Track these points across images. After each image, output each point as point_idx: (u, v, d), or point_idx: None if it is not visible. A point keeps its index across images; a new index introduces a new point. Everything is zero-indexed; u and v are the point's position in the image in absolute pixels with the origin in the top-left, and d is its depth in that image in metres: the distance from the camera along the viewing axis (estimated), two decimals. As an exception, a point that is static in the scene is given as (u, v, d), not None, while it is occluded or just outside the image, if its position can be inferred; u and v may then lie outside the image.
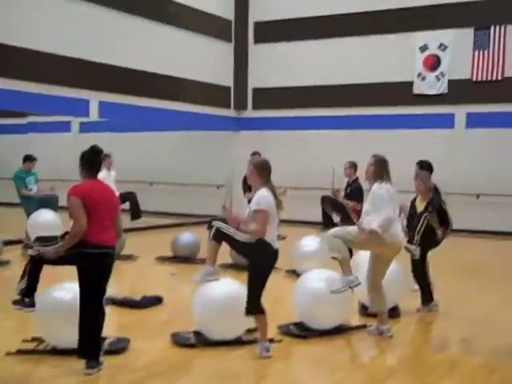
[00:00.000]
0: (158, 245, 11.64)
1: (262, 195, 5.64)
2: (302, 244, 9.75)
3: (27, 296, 6.21)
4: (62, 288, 5.81)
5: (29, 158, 11.38)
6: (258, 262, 5.63)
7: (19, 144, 16.75)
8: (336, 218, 9.33)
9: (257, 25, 17.87)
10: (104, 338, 5.70)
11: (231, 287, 6.12)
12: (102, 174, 11.60)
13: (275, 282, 6.19)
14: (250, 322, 5.95)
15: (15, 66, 11.87)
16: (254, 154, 11.52)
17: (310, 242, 9.72)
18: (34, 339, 5.85)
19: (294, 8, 17.14)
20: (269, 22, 17.60)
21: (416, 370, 5.62)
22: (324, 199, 10.22)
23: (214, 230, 5.81)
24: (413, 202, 7.74)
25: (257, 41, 17.85)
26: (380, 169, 6.44)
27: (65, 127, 18.20)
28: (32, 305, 6.04)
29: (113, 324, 6.56)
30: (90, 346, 5.29)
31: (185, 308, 6.42)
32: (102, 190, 5.39)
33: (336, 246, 6.36)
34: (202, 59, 16.30)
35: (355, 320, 6.87)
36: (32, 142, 16.71)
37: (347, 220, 8.44)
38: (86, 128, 18.05)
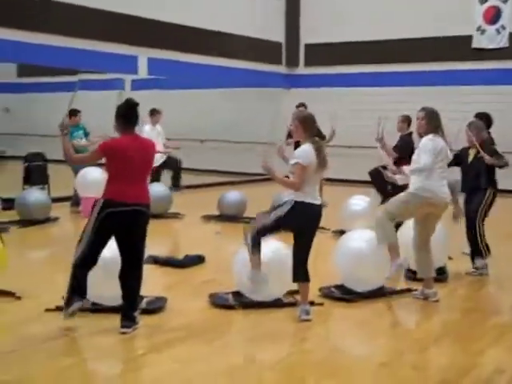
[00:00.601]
0: (205, 203, 11.56)
1: (303, 149, 5.43)
2: (351, 203, 9.52)
3: None
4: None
5: (72, 113, 11.29)
6: (300, 226, 5.45)
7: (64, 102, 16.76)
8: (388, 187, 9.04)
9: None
10: (142, 297, 5.68)
11: (273, 248, 5.94)
12: (146, 129, 11.59)
13: (320, 242, 6.01)
14: (291, 284, 5.83)
15: (63, 21, 11.80)
16: (300, 105, 11.22)
17: (359, 201, 9.50)
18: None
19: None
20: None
21: (462, 338, 5.37)
22: (372, 175, 9.82)
23: (250, 241, 5.57)
24: (464, 150, 7.39)
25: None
26: (431, 121, 6.12)
27: (116, 85, 18.17)
28: None
29: (153, 283, 6.49)
30: (124, 305, 5.26)
31: (227, 268, 6.30)
32: (134, 146, 5.20)
33: (384, 235, 6.06)
34: (252, 14, 15.93)
35: (400, 283, 6.62)
36: (82, 100, 16.69)
37: (397, 187, 8.14)
38: (137, 85, 18.02)
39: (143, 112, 12.10)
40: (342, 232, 9.05)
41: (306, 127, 5.51)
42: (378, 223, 6.11)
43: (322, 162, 5.45)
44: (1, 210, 9.97)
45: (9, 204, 10.57)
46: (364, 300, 6.12)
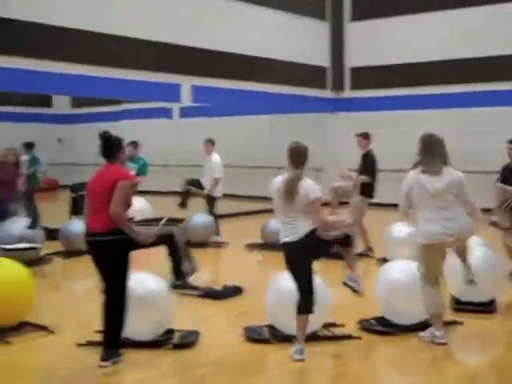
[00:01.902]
0: (249, 231, 11.41)
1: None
2: (394, 230, 9.19)
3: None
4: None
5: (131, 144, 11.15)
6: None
7: (115, 131, 16.99)
8: None
9: (354, 2, 17.23)
10: (174, 331, 5.55)
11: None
12: (216, 158, 11.46)
13: (363, 270, 5.77)
14: (327, 317, 5.60)
15: (108, 52, 11.95)
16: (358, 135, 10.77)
17: (402, 227, 9.15)
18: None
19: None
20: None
21: (506, 375, 5.03)
22: None
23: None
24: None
25: (354, 18, 17.22)
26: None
27: (164, 113, 18.34)
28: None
29: (189, 315, 6.41)
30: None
31: (263, 299, 6.05)
32: (95, 176, 5.31)
33: (428, 302, 5.65)
34: (297, 39, 15.85)
35: (446, 315, 6.29)
36: (127, 129, 16.92)
37: None
38: (185, 113, 18.16)
39: (198, 140, 12.16)
40: (385, 260, 8.83)
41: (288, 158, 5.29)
42: (421, 289, 5.68)
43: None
44: (45, 241, 10.02)
45: (54, 234, 10.64)
46: (403, 333, 5.78)
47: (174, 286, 6.12)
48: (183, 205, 11.16)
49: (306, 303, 5.19)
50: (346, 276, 5.46)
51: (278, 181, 5.26)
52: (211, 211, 11.18)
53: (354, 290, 5.46)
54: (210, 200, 11.17)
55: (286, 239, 5.16)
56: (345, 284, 5.49)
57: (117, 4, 12.11)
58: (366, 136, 10.10)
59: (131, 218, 5.78)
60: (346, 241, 5.35)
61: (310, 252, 5.21)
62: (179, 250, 5.49)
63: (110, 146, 5.27)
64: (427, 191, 5.52)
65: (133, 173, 11.08)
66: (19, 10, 10.70)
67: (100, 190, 5.11)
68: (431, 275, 5.64)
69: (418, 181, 5.58)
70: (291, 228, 5.15)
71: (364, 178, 9.72)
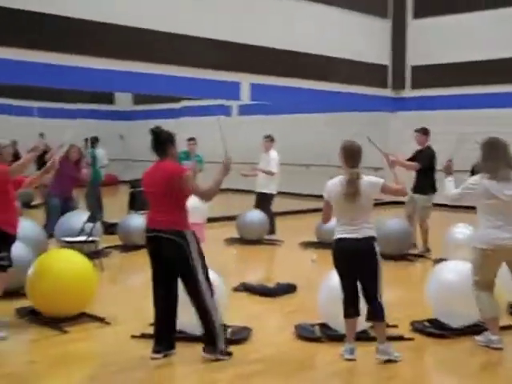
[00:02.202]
0: (304, 229, 11.40)
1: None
2: (455, 231, 9.07)
3: None
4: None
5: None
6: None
7: (174, 128, 17.20)
8: None
9: (416, -1, 17.00)
10: (227, 327, 5.61)
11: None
12: (262, 155, 11.48)
13: (418, 272, 5.69)
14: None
15: (169, 51, 12.14)
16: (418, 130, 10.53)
17: (463, 229, 9.00)
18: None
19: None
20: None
21: None
22: None
23: None
24: None
25: (416, 16, 16.97)
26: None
27: (223, 111, 18.45)
28: None
29: (241, 312, 6.45)
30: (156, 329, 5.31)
31: (316, 297, 6.01)
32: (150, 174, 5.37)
33: (483, 308, 5.54)
34: (357, 37, 15.73)
35: (502, 320, 6.11)
36: (186, 126, 17.09)
37: None
38: (243, 111, 18.22)
39: (255, 137, 12.23)
40: (443, 261, 8.69)
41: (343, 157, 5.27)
42: (474, 296, 5.57)
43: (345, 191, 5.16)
44: (103, 235, 10.22)
45: (112, 228, 10.85)
46: (458, 336, 5.70)
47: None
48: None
49: (345, 309, 5.22)
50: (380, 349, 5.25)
51: (335, 183, 5.25)
52: (268, 208, 11.21)
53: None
54: (266, 197, 11.22)
55: (353, 236, 5.11)
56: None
57: (180, 4, 12.28)
58: (425, 131, 9.97)
59: None
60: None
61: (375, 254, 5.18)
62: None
63: (161, 141, 5.30)
64: (497, 198, 5.40)
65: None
66: (82, 10, 10.99)
67: (163, 188, 5.17)
68: (486, 281, 5.52)
69: (484, 187, 5.45)
70: (358, 228, 5.12)
71: (415, 165, 9.58)
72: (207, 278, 5.15)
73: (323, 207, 5.38)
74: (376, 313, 5.14)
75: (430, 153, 9.78)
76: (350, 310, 5.20)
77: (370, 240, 5.10)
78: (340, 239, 5.16)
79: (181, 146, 11.87)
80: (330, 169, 17.00)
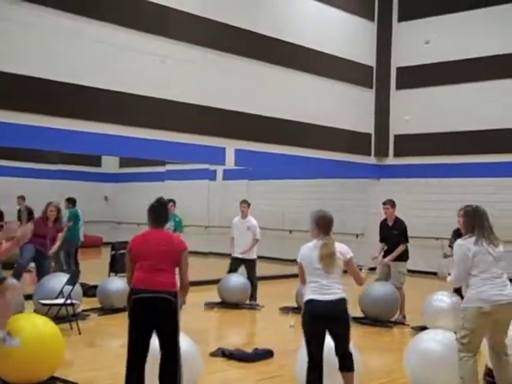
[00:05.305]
0: (285, 294, 11.36)
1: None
2: (434, 299, 9.04)
3: None
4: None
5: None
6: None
7: (159, 191, 17.35)
8: None
9: (399, 70, 17.45)
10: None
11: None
12: (235, 221, 11.64)
13: (396, 339, 5.67)
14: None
15: (155, 116, 12.33)
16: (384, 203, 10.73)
17: (444, 297, 8.95)
18: None
19: (435, 54, 16.58)
20: (411, 67, 17.13)
21: None
22: None
23: None
24: None
25: (398, 87, 17.40)
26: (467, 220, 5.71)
27: (208, 175, 18.62)
28: None
29: (217, 377, 6.38)
30: None
31: (292, 364, 6.04)
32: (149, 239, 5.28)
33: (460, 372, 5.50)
34: (341, 107, 16.08)
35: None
36: (171, 189, 17.23)
37: None
38: (228, 176, 18.35)
39: (235, 202, 12.39)
40: (422, 328, 8.57)
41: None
42: (459, 359, 5.49)
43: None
44: (83, 297, 10.15)
45: (93, 290, 10.76)
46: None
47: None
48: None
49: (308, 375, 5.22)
50: None
51: (310, 246, 5.35)
52: (255, 274, 11.20)
53: None
54: (254, 263, 11.25)
55: (325, 298, 5.15)
56: None
57: (169, 72, 12.53)
58: (393, 204, 10.08)
59: None
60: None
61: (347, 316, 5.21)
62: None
63: (167, 212, 5.45)
64: (489, 256, 5.48)
65: (170, 230, 11.30)
66: (75, 75, 11.20)
67: (163, 254, 5.16)
68: (474, 345, 5.47)
69: (471, 249, 5.51)
70: (330, 289, 5.17)
71: (402, 249, 9.74)
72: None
73: (299, 271, 5.44)
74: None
75: (404, 225, 9.94)
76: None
77: (341, 301, 5.16)
78: (311, 300, 5.20)
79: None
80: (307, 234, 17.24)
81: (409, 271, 10.38)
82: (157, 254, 5.12)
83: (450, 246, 8.05)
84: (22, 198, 14.43)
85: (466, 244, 5.54)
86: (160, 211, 5.35)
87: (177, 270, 5.22)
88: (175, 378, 5.05)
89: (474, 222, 5.64)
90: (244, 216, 11.40)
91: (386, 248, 9.87)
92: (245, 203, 11.49)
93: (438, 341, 5.93)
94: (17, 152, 14.08)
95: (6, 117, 10.38)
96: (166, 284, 5.06)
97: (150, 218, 5.32)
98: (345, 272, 5.28)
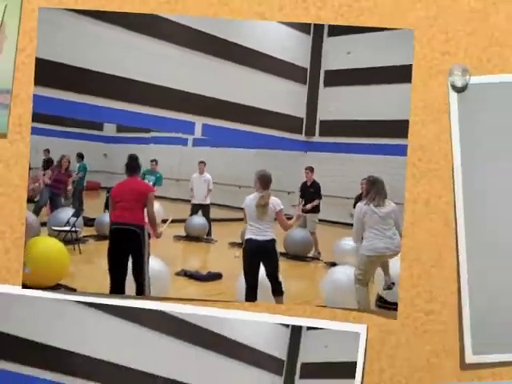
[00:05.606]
0: (233, 233, 11.48)
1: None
2: (343, 243, 8.89)
3: None
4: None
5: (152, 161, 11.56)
6: None
7: (144, 152, 17.30)
8: None
9: (327, 72, 17.44)
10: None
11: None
12: (194, 176, 11.76)
13: (312, 270, 5.84)
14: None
15: (141, 96, 12.06)
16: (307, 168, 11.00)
17: (350, 242, 8.94)
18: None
19: (354, 62, 16.61)
20: (336, 70, 17.11)
21: None
22: None
23: None
24: None
25: (326, 85, 17.40)
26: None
27: (182, 142, 18.46)
28: None
29: (179, 292, 6.54)
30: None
31: (236, 285, 6.24)
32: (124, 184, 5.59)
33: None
34: (282, 96, 16.00)
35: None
36: (157, 151, 17.11)
37: None
38: (197, 143, 18.22)
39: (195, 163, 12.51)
40: (333, 264, 8.49)
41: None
42: (356, 289, 5.76)
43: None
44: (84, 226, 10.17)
45: (92, 222, 10.79)
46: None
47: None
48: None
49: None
50: None
51: (251, 197, 5.46)
52: (208, 216, 11.39)
53: None
54: (207, 207, 11.43)
55: (259, 238, 5.31)
56: None
57: (164, 62, 12.26)
58: (312, 170, 10.33)
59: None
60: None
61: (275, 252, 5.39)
62: None
63: (138, 165, 5.40)
64: (375, 215, 5.73)
65: (151, 183, 11.36)
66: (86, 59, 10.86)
67: (133, 196, 5.26)
68: (365, 280, 5.81)
69: (368, 209, 5.75)
70: (263, 232, 5.35)
71: (316, 203, 9.95)
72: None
73: (243, 215, 5.57)
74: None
75: (319, 186, 10.14)
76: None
77: (271, 241, 5.34)
78: (249, 239, 5.34)
79: (146, 165, 11.94)
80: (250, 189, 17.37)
81: (321, 220, 10.63)
82: (128, 196, 5.25)
83: (354, 207, 8.26)
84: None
85: (360, 206, 5.74)
86: (131, 163, 5.51)
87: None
88: (142, 286, 5.18)
89: (371, 189, 5.82)
90: (201, 172, 11.57)
91: (303, 202, 10.09)
92: (202, 163, 11.59)
93: (345, 273, 6.24)
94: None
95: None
96: (134, 219, 5.20)
97: (125, 169, 5.41)
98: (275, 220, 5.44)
